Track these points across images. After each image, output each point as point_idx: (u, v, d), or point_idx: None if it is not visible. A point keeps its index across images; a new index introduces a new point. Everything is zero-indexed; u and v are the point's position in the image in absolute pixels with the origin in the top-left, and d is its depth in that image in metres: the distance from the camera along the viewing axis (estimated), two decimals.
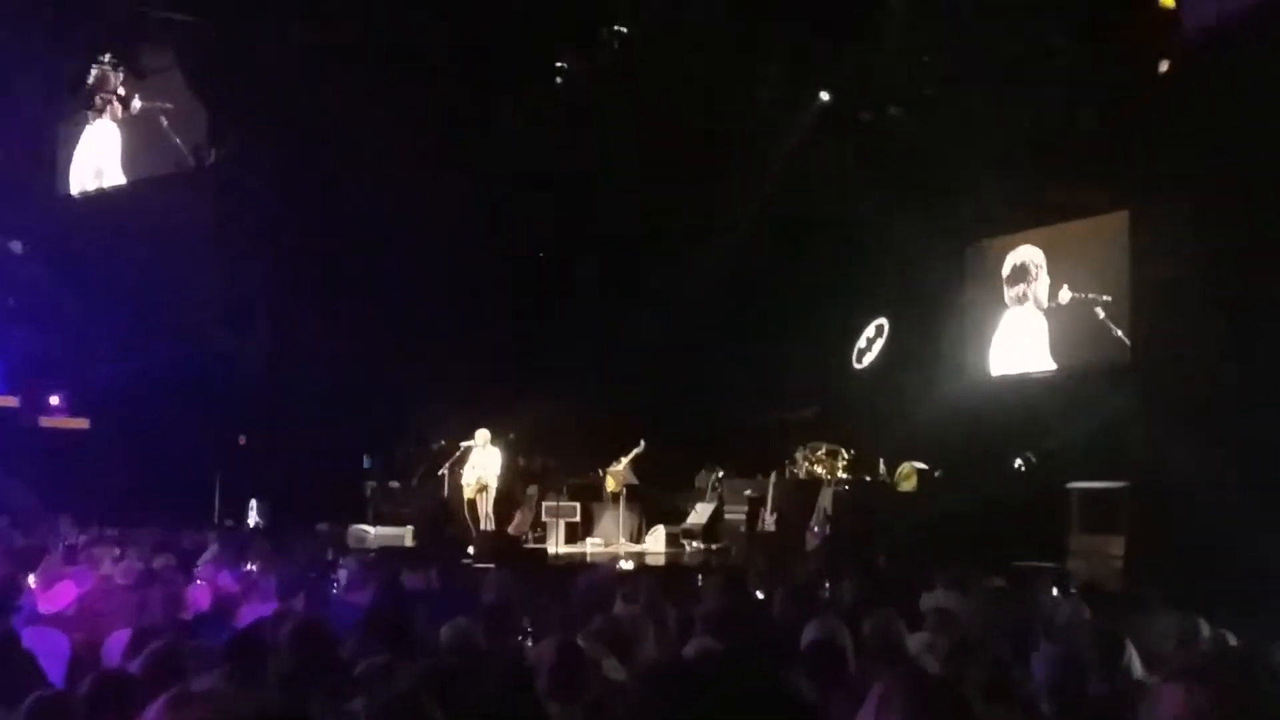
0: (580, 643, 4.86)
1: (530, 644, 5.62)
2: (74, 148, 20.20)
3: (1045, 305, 15.36)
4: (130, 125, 19.52)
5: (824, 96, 15.26)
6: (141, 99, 18.98)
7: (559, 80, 15.42)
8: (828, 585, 7.99)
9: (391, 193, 16.33)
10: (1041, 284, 15.47)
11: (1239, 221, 9.10)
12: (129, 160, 19.59)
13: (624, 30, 14.59)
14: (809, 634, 4.85)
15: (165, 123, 19.27)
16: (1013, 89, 13.65)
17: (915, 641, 5.53)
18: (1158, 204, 10.62)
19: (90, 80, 17.95)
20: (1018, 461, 14.22)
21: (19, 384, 18.40)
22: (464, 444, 14.92)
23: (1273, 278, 8.84)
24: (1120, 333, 13.80)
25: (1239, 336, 9.10)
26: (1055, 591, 8.03)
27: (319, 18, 14.13)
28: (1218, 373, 9.26)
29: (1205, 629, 5.63)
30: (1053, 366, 15.23)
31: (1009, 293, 15.87)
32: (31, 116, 18.70)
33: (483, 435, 14.85)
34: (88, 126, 19.60)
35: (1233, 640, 5.66)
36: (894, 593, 7.18)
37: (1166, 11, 10.13)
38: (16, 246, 18.39)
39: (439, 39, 14.18)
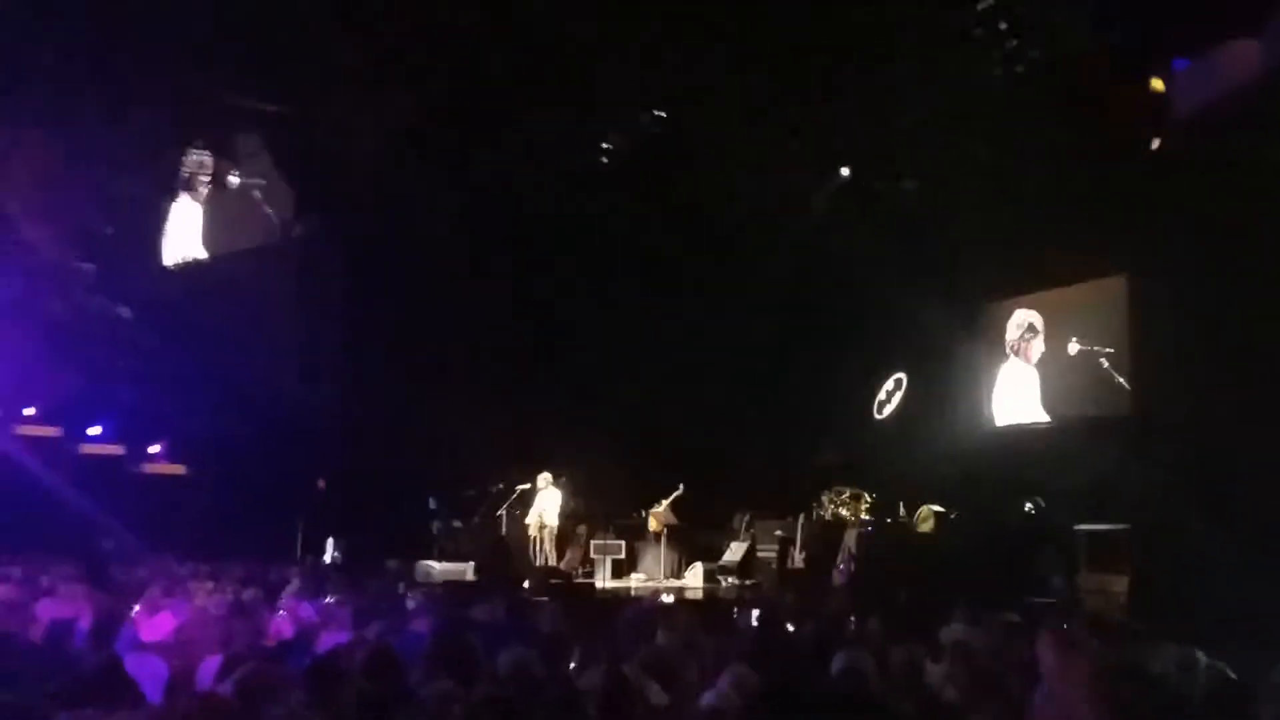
0: (626, 670, 4.86)
1: (581, 671, 5.61)
2: (178, 223, 20.68)
3: (1039, 361, 15.30)
4: (221, 202, 19.99)
5: (844, 172, 15.36)
6: (234, 178, 19.46)
7: (604, 160, 15.67)
8: (853, 619, 7.91)
9: (450, 257, 16.62)
10: (1038, 343, 15.42)
11: (1227, 285, 9.03)
12: (217, 234, 20.03)
13: (663, 114, 14.81)
14: (837, 663, 4.82)
15: (258, 198, 19.74)
16: (1014, 163, 13.70)
17: (936, 672, 5.47)
18: (1152, 270, 10.55)
19: (187, 162, 18.45)
20: (1028, 505, 14.05)
21: (125, 434, 18.71)
22: (520, 486, 14.98)
23: (1261, 336, 8.75)
24: (1122, 381, 13.66)
25: (1232, 390, 8.99)
26: (1065, 626, 7.90)
27: (387, 106, 14.48)
28: (1212, 423, 9.15)
29: (1203, 660, 5.52)
30: (1047, 418, 15.12)
31: (1012, 346, 15.83)
32: (137, 195, 19.19)
33: (545, 478, 14.96)
34: (174, 204, 20.10)
35: (1230, 672, 5.55)
36: (915, 626, 7.09)
37: (1157, 94, 10.13)
38: (125, 311, 18.78)
39: (493, 118, 14.46)
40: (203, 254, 19.74)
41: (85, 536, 15.01)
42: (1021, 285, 15.66)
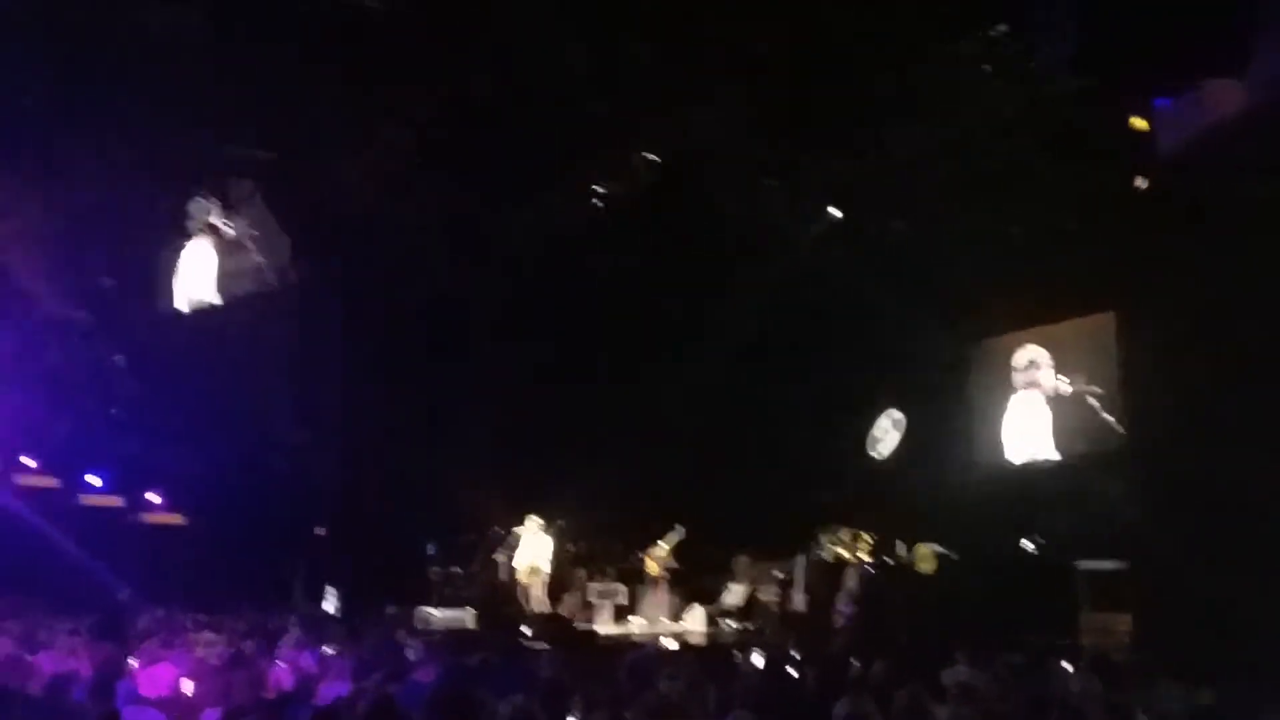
0: (628, 718, 4.82)
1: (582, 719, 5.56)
2: (173, 272, 20.72)
3: (1050, 395, 15.32)
4: (222, 249, 20.05)
5: (834, 212, 15.47)
6: (231, 226, 19.54)
7: (596, 202, 15.77)
8: (856, 662, 7.86)
9: (444, 303, 16.68)
10: (1047, 375, 15.47)
11: (1216, 320, 9.09)
12: (221, 281, 20.09)
13: (655, 158, 14.92)
14: (840, 709, 4.79)
15: (252, 246, 19.80)
16: (1004, 201, 13.81)
17: (940, 714, 5.43)
18: (1141, 306, 10.61)
19: (186, 210, 18.53)
20: (1028, 543, 14.01)
21: (123, 485, 18.63)
22: (516, 530, 14.90)
23: (1252, 371, 8.79)
24: (1114, 422, 13.69)
25: (1223, 425, 9.01)
26: (1067, 665, 7.86)
27: (384, 153, 14.58)
28: (1205, 458, 9.15)
29: (1207, 697, 5.50)
30: (1056, 455, 15.13)
31: (1018, 381, 15.87)
32: (132, 245, 19.25)
33: (534, 522, 14.83)
34: (185, 249, 20.15)
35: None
36: (918, 668, 7.04)
37: (1140, 133, 10.23)
38: (120, 360, 18.77)
39: (489, 163, 14.54)
40: (216, 299, 19.81)
41: (92, 587, 14.93)
42: (1016, 322, 15.77)
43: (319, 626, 11.33)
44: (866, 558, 14.57)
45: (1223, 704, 5.48)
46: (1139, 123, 10.35)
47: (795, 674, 7.29)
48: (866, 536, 14.87)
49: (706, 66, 12.40)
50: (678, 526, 16.05)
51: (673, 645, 12.67)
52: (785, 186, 14.72)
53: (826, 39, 11.58)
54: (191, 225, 18.87)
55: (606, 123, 13.49)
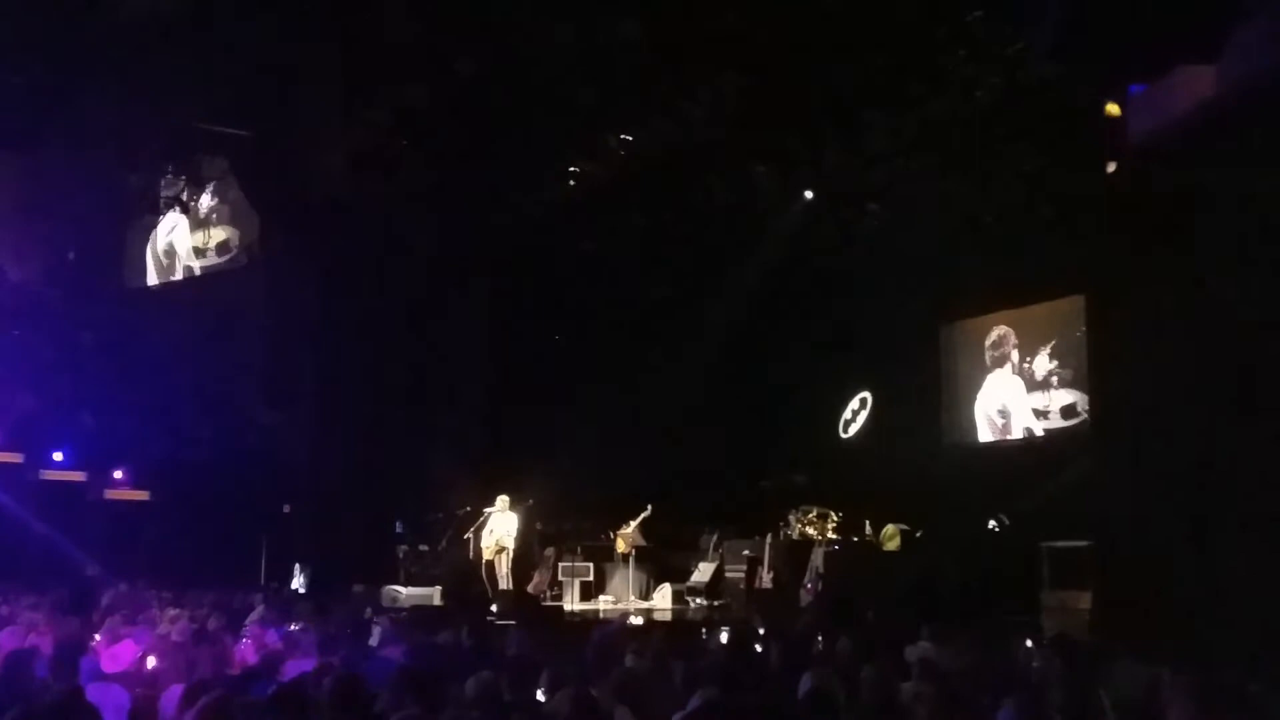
0: (595, 694, 4.82)
1: (549, 696, 5.55)
2: (142, 248, 20.51)
3: (1019, 376, 15.48)
4: (192, 225, 19.85)
5: (808, 195, 15.47)
6: (200, 202, 19.33)
7: (571, 183, 15.69)
8: (821, 639, 7.90)
9: (420, 283, 16.58)
10: (1016, 357, 15.63)
11: (1184, 304, 9.17)
12: (190, 257, 19.91)
13: (629, 138, 14.85)
14: (805, 684, 4.81)
15: (221, 223, 19.61)
16: (976, 187, 13.88)
17: (905, 690, 5.46)
18: (1110, 289, 10.69)
19: (155, 187, 18.29)
20: (992, 522, 14.15)
21: (86, 461, 18.43)
22: (487, 510, 14.86)
23: (1219, 355, 8.87)
24: (1082, 402, 13.83)
25: (1190, 407, 9.10)
26: (1029, 643, 7.93)
27: (356, 126, 14.41)
28: (1171, 439, 9.24)
29: (1167, 677, 5.55)
30: (1024, 435, 15.30)
31: (989, 362, 16.01)
32: (100, 221, 19.00)
33: (502, 501, 14.79)
34: (157, 227, 19.94)
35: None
36: (882, 645, 7.09)
37: (1113, 119, 10.26)
38: (86, 337, 18.52)
39: (464, 140, 14.41)
40: (184, 275, 19.65)
41: (55, 563, 14.77)
42: (987, 304, 15.90)
43: (285, 603, 11.26)
44: (834, 536, 14.67)
45: (1180, 682, 5.54)
46: (1113, 108, 10.37)
47: (761, 650, 7.33)
48: (833, 515, 14.97)
49: (689, 52, 12.32)
50: (648, 505, 16.08)
51: (639, 622, 12.69)
52: (762, 171, 14.70)
53: (805, 24, 11.53)
54: (162, 201, 18.67)
55: (590, 106, 13.38)
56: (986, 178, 13.63)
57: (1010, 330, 15.86)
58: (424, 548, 16.30)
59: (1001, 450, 15.62)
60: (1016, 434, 15.62)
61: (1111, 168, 10.47)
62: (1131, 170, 10.07)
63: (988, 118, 12.51)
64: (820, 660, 6.43)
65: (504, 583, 14.58)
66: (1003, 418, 15.80)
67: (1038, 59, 10.93)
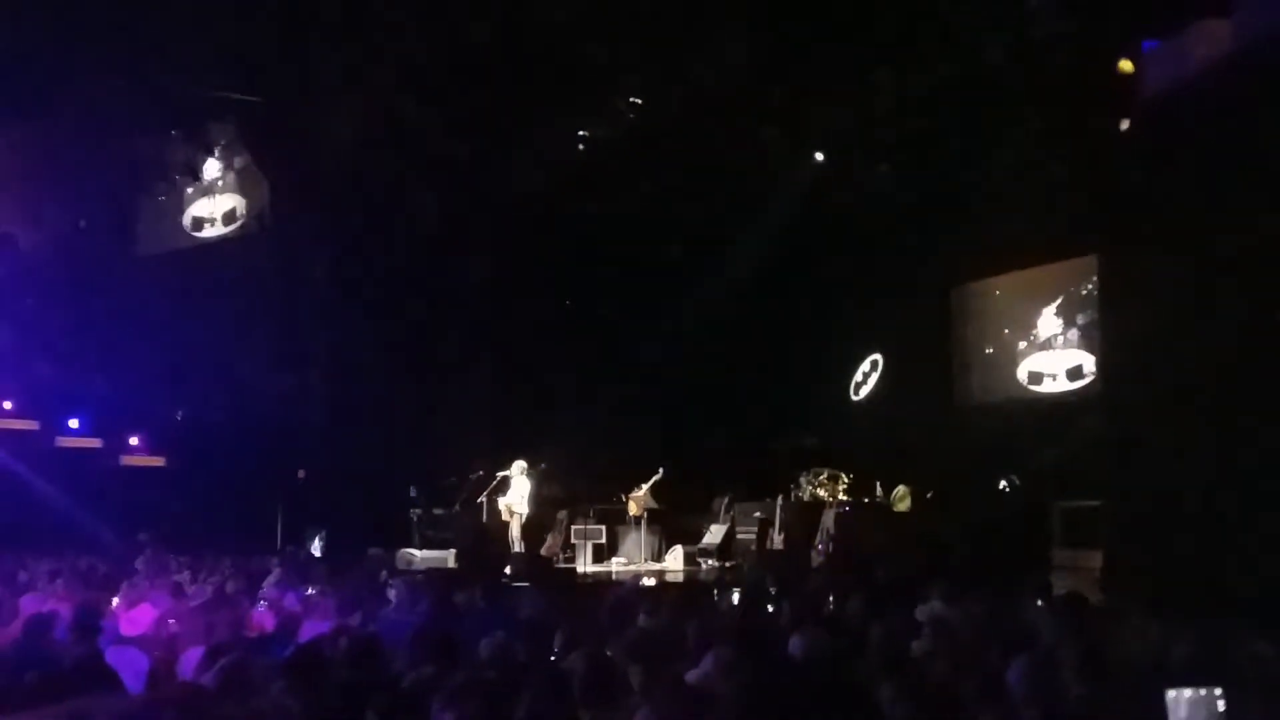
0: (609, 654, 4.84)
1: (563, 656, 5.59)
2: (153, 214, 20.48)
3: (1031, 336, 15.43)
4: (202, 192, 19.81)
5: (819, 156, 15.36)
6: (209, 169, 19.27)
7: (580, 146, 15.60)
8: (832, 598, 7.92)
9: (431, 247, 16.55)
10: (1028, 316, 15.57)
11: (1198, 263, 9.08)
12: (200, 223, 19.89)
13: (639, 101, 14.74)
14: (795, 646, 4.82)
15: (231, 190, 19.57)
16: (989, 147, 13.75)
17: (914, 649, 5.48)
18: (1123, 249, 10.60)
19: (164, 154, 18.23)
20: (1002, 482, 14.16)
21: (102, 427, 18.53)
22: (501, 473, 14.93)
23: (1229, 313, 8.81)
24: (1089, 363, 13.78)
25: (1202, 368, 9.05)
26: (1039, 602, 7.94)
27: (368, 94, 14.33)
28: (1182, 397, 9.20)
29: (1177, 634, 5.55)
30: (1035, 394, 15.26)
31: (1000, 322, 15.95)
32: (112, 189, 18.96)
33: (519, 465, 14.84)
34: (164, 192, 19.89)
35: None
36: (893, 604, 7.11)
37: (1126, 76, 10.13)
38: (100, 304, 18.54)
39: (472, 106, 14.32)
40: (194, 241, 19.61)
41: (73, 529, 14.87)
42: (999, 264, 15.80)
43: (301, 568, 11.34)
44: (845, 497, 14.70)
45: (1191, 641, 5.54)
46: (1126, 65, 10.24)
47: (771, 610, 7.37)
48: (844, 477, 15.00)
49: (699, 11, 12.20)
50: (660, 468, 16.12)
51: (651, 583, 12.76)
52: (773, 131, 14.58)
53: None
54: (170, 168, 18.61)
55: (599, 66, 13.27)
56: (999, 137, 13.50)
57: (1020, 291, 15.78)
58: (438, 511, 16.39)
59: (1012, 410, 15.59)
60: (1026, 394, 15.58)
61: (1125, 125, 10.36)
62: (1146, 127, 9.96)
63: (999, 75, 12.37)
64: (830, 619, 6.46)
65: (515, 546, 14.67)
66: (1013, 378, 15.76)
67: (1051, 15, 10.79)
